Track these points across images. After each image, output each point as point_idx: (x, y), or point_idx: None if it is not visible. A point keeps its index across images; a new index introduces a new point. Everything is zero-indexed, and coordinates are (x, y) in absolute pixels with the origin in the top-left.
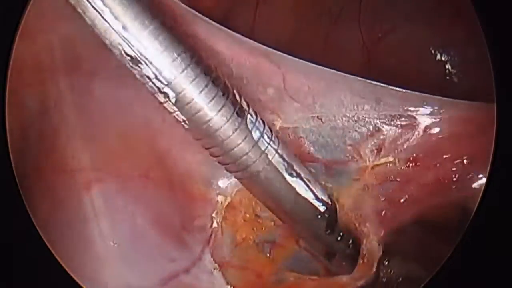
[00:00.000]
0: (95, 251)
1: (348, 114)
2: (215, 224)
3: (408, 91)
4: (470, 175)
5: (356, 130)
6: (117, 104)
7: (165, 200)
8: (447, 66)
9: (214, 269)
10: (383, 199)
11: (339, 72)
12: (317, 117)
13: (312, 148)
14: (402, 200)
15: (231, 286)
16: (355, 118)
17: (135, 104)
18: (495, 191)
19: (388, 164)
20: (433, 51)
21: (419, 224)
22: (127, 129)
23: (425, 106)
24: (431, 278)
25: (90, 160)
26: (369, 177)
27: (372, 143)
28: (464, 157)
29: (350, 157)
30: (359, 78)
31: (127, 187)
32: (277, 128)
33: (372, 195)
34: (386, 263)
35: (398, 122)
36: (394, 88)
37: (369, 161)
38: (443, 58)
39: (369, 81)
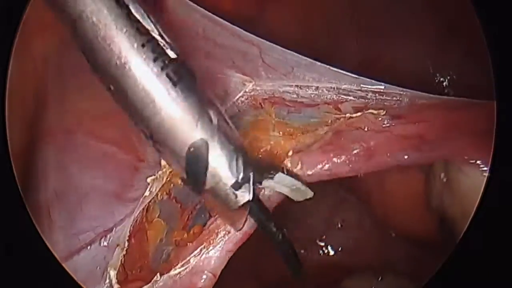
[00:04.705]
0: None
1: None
2: (147, 193)
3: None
4: None
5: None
6: None
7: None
8: (445, 84)
9: (117, 245)
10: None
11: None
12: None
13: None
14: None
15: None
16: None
17: None
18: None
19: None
20: (431, 70)
21: (408, 238)
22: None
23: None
24: None
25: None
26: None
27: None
28: None
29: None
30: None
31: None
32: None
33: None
34: (380, 279)
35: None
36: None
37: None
38: (441, 79)
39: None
